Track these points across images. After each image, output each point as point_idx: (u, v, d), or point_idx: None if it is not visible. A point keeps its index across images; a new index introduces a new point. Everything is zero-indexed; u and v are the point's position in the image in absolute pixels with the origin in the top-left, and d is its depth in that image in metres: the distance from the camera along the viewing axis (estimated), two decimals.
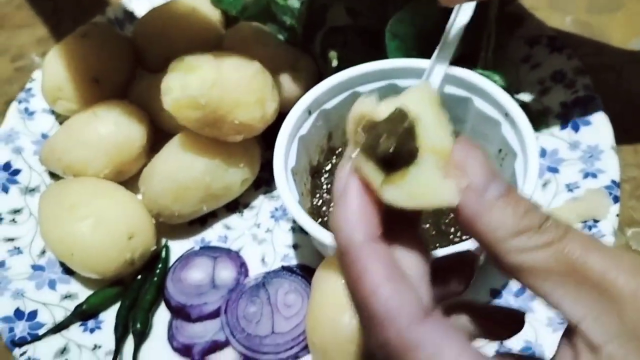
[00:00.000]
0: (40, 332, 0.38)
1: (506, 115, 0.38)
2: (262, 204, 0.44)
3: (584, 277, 0.20)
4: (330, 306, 0.34)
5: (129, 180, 0.43)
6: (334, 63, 0.43)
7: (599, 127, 0.43)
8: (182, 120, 0.39)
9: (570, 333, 0.21)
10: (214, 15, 0.49)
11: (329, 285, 0.35)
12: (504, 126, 0.39)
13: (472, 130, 0.41)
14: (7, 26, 0.57)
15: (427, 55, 0.41)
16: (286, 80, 0.43)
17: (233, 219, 0.44)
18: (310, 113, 0.40)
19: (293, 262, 0.41)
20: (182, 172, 0.40)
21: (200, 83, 0.37)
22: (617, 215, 0.39)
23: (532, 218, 0.21)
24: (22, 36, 0.57)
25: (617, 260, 0.20)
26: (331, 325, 0.33)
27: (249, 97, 0.39)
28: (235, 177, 0.42)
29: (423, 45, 0.42)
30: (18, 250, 0.41)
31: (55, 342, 0.38)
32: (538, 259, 0.21)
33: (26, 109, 0.48)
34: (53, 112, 0.48)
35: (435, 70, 0.38)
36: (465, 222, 0.21)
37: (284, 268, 0.40)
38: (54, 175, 0.45)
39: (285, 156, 0.38)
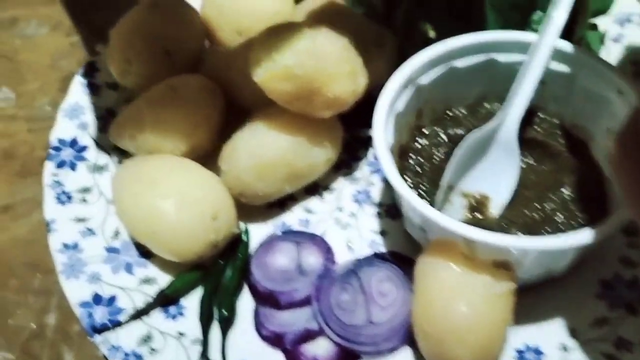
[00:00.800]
0: (121, 318, 0.35)
1: (619, 92, 0.36)
2: (343, 186, 0.42)
3: None
4: (443, 295, 0.31)
5: (205, 158, 0.41)
6: (431, 34, 0.40)
7: None
8: (272, 93, 0.36)
9: None
10: None
11: (439, 273, 0.32)
12: (617, 104, 0.36)
13: (572, 110, 0.39)
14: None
15: (524, 27, 0.39)
16: (371, 57, 0.41)
17: (313, 202, 0.41)
18: (405, 87, 0.37)
19: (381, 248, 0.39)
20: (266, 149, 0.38)
21: (295, 52, 0.35)
22: None
23: None
24: None
25: None
26: (446, 315, 0.31)
27: (343, 69, 0.36)
28: (319, 156, 0.39)
29: (523, 16, 0.39)
30: (91, 232, 0.39)
31: (137, 328, 0.35)
32: None
33: (90, 83, 0.45)
34: (117, 87, 0.45)
35: (544, 43, 0.36)
36: None
37: (376, 255, 0.38)
38: (122, 152, 0.42)
39: (385, 133, 0.35)
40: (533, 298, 0.35)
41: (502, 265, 0.32)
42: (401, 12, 0.43)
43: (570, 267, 0.35)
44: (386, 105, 0.36)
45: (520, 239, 0.32)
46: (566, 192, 0.37)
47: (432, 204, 0.37)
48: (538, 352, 0.34)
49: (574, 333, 0.34)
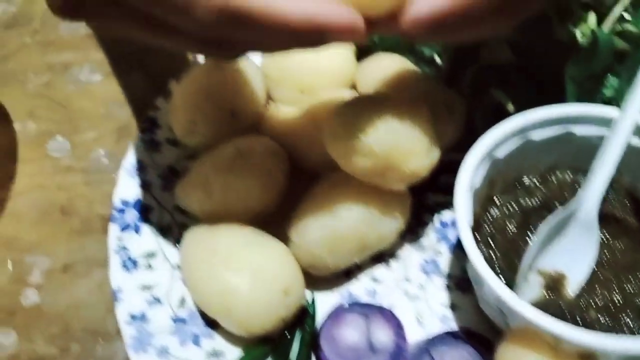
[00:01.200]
0: None
1: None
2: (409, 254, 0.41)
3: None
4: None
5: (271, 223, 0.40)
6: (510, 108, 0.39)
7: None
8: (346, 167, 0.35)
9: None
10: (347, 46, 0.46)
11: None
12: None
13: None
14: None
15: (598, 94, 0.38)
16: (441, 123, 0.40)
17: (380, 271, 0.40)
18: (481, 162, 0.37)
19: (452, 324, 0.38)
20: (338, 221, 0.37)
21: (375, 130, 0.34)
22: None
23: None
24: None
25: None
26: None
27: (421, 145, 0.35)
28: (389, 226, 0.38)
29: (597, 85, 0.39)
30: (157, 301, 0.38)
31: None
32: None
33: (151, 140, 0.45)
34: (178, 143, 0.45)
35: (627, 120, 0.35)
36: None
37: (449, 333, 0.37)
38: (184, 213, 0.42)
39: (465, 210, 0.34)
40: None
41: (588, 357, 0.31)
42: (470, 74, 0.42)
43: None
44: (466, 182, 0.35)
45: (607, 339, 0.31)
46: None
47: (507, 280, 0.36)
48: None
49: None
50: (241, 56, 0.32)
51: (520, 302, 0.32)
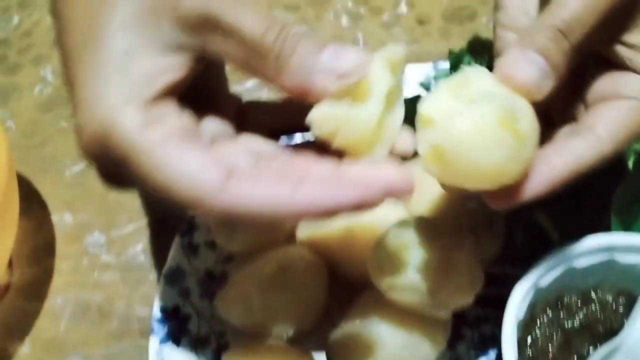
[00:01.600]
0: None
1: None
2: None
3: None
4: None
5: (307, 335, 0.40)
6: (554, 236, 0.39)
7: None
8: (392, 298, 0.36)
9: None
10: None
11: None
12: None
13: None
14: None
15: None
16: (482, 240, 0.40)
17: None
18: (527, 296, 0.37)
19: None
20: (378, 344, 0.37)
21: (424, 269, 0.34)
22: None
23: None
24: None
25: None
26: None
27: (468, 276, 0.35)
28: (431, 349, 0.38)
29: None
30: None
31: None
32: None
33: (189, 244, 0.45)
34: (215, 245, 0.45)
35: None
36: None
37: None
38: (222, 322, 0.42)
39: (513, 346, 0.34)
40: None
41: None
42: None
43: None
44: (511, 319, 0.35)
45: None
46: None
47: None
48: None
49: None
50: None
51: None
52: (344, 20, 0.62)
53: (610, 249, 0.38)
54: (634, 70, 0.32)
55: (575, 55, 0.30)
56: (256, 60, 0.28)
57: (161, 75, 0.28)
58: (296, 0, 0.63)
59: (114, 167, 0.27)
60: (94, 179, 0.52)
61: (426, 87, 0.49)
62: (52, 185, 0.52)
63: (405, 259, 0.34)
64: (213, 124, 0.32)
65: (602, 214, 0.39)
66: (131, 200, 0.51)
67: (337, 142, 0.29)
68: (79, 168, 0.53)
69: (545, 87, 0.29)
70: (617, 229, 0.38)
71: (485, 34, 0.46)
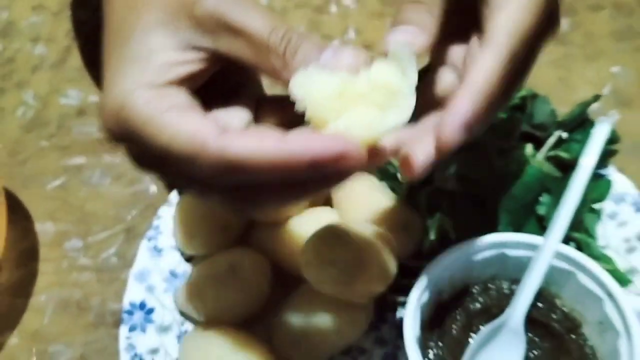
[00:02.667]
0: None
1: (609, 295, 0.43)
2: (373, 349, 0.49)
3: None
4: None
5: (257, 322, 0.48)
6: (452, 236, 0.47)
7: None
8: (319, 288, 0.43)
9: None
10: None
11: None
12: (607, 305, 0.43)
13: (570, 296, 0.46)
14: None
15: (530, 226, 0.46)
16: (399, 239, 0.48)
17: None
18: (428, 285, 0.44)
19: None
20: (311, 327, 0.45)
21: (342, 264, 0.42)
22: None
23: None
24: None
25: None
26: None
27: (380, 269, 0.43)
28: (354, 328, 0.46)
29: (528, 217, 0.47)
30: None
31: None
32: None
33: (155, 247, 0.52)
34: (179, 249, 0.52)
35: (547, 248, 0.43)
36: None
37: None
38: (184, 313, 0.49)
39: (412, 329, 0.42)
40: None
41: None
42: (425, 195, 0.50)
43: None
44: (413, 304, 0.43)
45: None
46: None
47: None
48: None
49: None
50: (259, 210, 0.36)
51: None
52: None
53: (501, 245, 0.46)
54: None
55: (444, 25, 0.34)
56: (263, 59, 0.31)
57: (175, 68, 0.32)
58: None
59: (128, 139, 0.31)
60: (72, 192, 0.60)
61: None
62: (35, 198, 0.59)
63: (327, 257, 0.42)
64: (224, 114, 0.35)
65: (494, 218, 0.47)
66: (105, 211, 0.58)
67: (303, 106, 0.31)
68: (59, 182, 0.60)
69: None
70: (506, 230, 0.46)
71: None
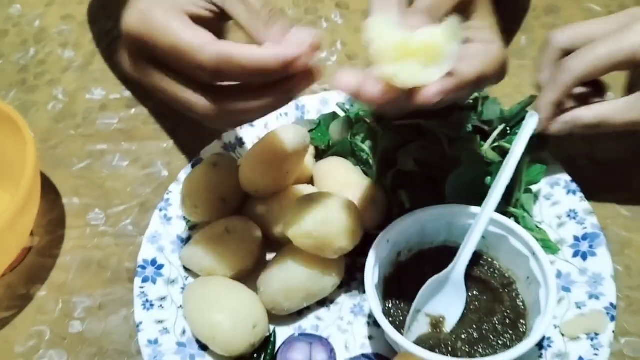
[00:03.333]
0: None
1: (533, 254, 0.53)
2: (344, 301, 0.58)
3: None
4: None
5: (248, 276, 0.58)
6: (407, 205, 0.57)
7: (602, 259, 0.56)
8: (297, 244, 0.53)
9: None
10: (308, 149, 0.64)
11: None
12: (532, 261, 0.53)
13: (505, 258, 0.56)
14: (137, 138, 0.73)
15: (475, 202, 0.56)
16: (367, 210, 0.58)
17: (322, 312, 0.58)
18: (387, 241, 0.54)
19: (369, 350, 0.55)
20: (291, 279, 0.55)
21: (314, 221, 0.52)
22: (613, 331, 0.52)
23: None
24: (149, 147, 0.72)
25: None
26: None
27: (346, 229, 0.53)
28: (328, 282, 0.56)
29: (473, 195, 0.56)
30: (166, 330, 0.56)
31: None
32: None
33: (165, 215, 0.62)
34: (185, 218, 0.63)
35: (484, 216, 0.53)
36: None
37: (363, 355, 0.54)
38: (187, 270, 0.59)
39: (372, 276, 0.52)
40: None
41: None
42: (390, 176, 0.60)
43: None
44: (373, 256, 0.53)
45: None
46: (497, 318, 0.53)
47: (404, 321, 0.53)
48: None
49: None
50: (238, 125, 0.47)
51: (402, 338, 0.48)
52: None
53: (447, 215, 0.56)
54: (474, 40, 0.46)
55: None
56: (252, 22, 0.43)
57: (191, 6, 0.44)
58: None
59: (141, 37, 0.43)
60: (95, 173, 0.70)
61: (341, 107, 0.67)
62: (63, 178, 0.70)
63: (304, 217, 0.52)
64: None
65: (443, 193, 0.57)
66: (123, 188, 0.68)
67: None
68: (83, 165, 0.71)
69: None
70: (452, 202, 0.56)
71: None
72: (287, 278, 0.55)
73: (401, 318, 0.53)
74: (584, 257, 0.57)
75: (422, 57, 0.40)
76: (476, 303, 0.55)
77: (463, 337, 0.52)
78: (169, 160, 0.70)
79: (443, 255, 0.57)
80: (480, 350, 0.51)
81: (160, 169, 0.70)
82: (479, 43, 0.46)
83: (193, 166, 0.64)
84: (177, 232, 0.62)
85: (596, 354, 0.51)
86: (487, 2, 0.48)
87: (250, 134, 0.67)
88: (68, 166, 0.71)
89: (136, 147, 0.72)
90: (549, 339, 0.54)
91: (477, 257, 0.56)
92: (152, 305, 0.57)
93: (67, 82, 0.79)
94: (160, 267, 0.59)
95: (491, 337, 0.52)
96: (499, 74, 0.47)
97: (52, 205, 0.68)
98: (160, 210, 0.63)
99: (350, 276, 0.60)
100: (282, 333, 0.56)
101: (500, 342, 0.52)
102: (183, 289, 0.58)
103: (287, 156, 0.57)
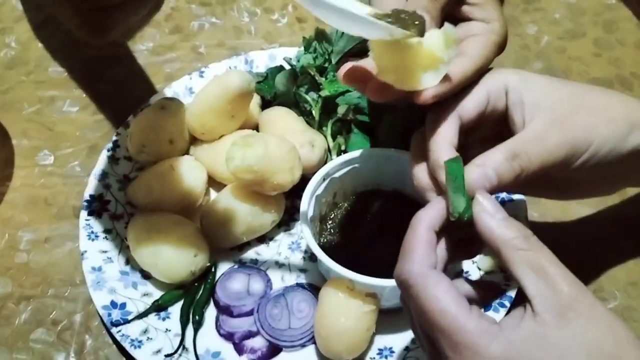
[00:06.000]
0: (129, 317, 0.54)
1: None
2: (282, 238, 0.62)
3: (542, 272, 0.37)
4: (332, 311, 0.52)
5: (192, 213, 0.61)
6: (343, 147, 0.61)
7: (518, 203, 0.62)
8: (238, 179, 0.57)
9: (523, 300, 0.37)
10: (254, 98, 0.67)
11: (331, 297, 0.52)
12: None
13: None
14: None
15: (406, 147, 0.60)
16: (306, 153, 0.61)
17: (262, 248, 0.61)
18: (324, 180, 0.58)
19: (303, 280, 0.59)
20: (232, 213, 0.58)
21: (255, 156, 0.55)
22: None
23: (523, 231, 0.38)
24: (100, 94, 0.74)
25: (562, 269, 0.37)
26: (333, 324, 0.51)
27: (285, 166, 0.57)
28: (268, 218, 0.60)
29: (405, 140, 0.61)
30: (110, 260, 0.58)
31: (139, 325, 0.55)
32: (520, 253, 0.37)
33: (112, 156, 0.65)
34: (131, 159, 0.65)
35: None
36: (482, 231, 0.39)
37: (298, 284, 0.58)
38: (133, 206, 0.62)
39: (307, 209, 0.56)
40: (392, 316, 0.55)
41: (370, 295, 0.52)
42: (331, 124, 0.64)
43: None
44: (309, 192, 0.56)
45: (378, 280, 0.52)
46: None
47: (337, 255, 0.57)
48: (392, 351, 0.54)
49: (414, 341, 0.55)
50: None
51: (332, 262, 0.52)
52: (244, 16, 0.83)
53: (378, 157, 0.60)
54: (474, 19, 0.48)
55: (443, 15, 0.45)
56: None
57: None
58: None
59: None
60: (44, 117, 0.72)
61: (287, 61, 0.71)
62: (13, 120, 0.71)
63: (246, 152, 0.55)
64: None
65: (377, 140, 0.61)
66: (72, 132, 0.70)
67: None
68: (34, 109, 0.72)
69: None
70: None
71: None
72: (228, 212, 0.58)
73: (334, 253, 0.57)
74: (502, 202, 0.62)
75: (420, 64, 0.42)
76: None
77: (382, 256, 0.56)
78: (119, 106, 0.72)
79: (375, 197, 0.62)
80: None
81: (110, 114, 0.72)
82: (479, 23, 0.47)
83: (141, 111, 0.67)
84: (124, 172, 0.64)
85: (507, 284, 0.56)
86: None
87: (200, 83, 0.70)
88: (18, 110, 0.72)
89: (87, 94, 0.73)
90: (467, 272, 0.59)
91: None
92: (97, 236, 0.59)
93: (20, 31, 0.79)
94: (106, 202, 0.62)
95: None
96: (499, 52, 0.47)
97: (1, 145, 0.69)
98: (108, 150, 0.65)
99: (290, 217, 0.63)
100: (223, 266, 0.60)
101: None
102: (127, 223, 0.61)
103: (232, 99, 0.60)
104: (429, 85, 0.42)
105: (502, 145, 0.43)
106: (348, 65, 0.45)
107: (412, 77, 0.42)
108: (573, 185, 0.50)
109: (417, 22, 0.41)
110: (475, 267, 0.59)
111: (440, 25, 0.44)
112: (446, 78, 0.43)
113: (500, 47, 0.48)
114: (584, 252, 0.61)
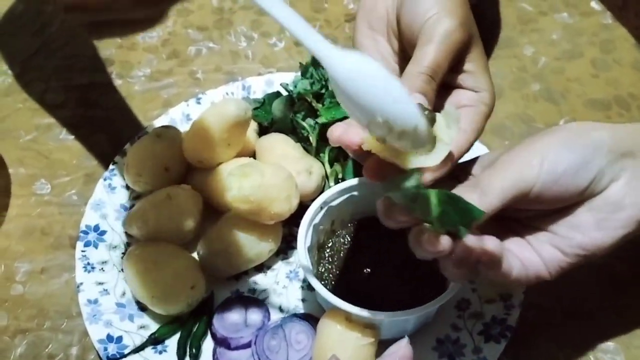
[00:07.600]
0: (125, 352, 0.54)
1: None
2: (280, 267, 0.61)
3: None
4: (329, 344, 0.51)
5: (189, 242, 0.60)
6: (340, 175, 0.61)
7: None
8: (235, 209, 0.56)
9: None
10: (251, 125, 0.67)
11: (329, 329, 0.52)
12: None
13: None
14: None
15: None
16: (303, 180, 0.61)
17: (260, 277, 0.61)
18: (321, 208, 0.58)
19: (302, 310, 0.58)
20: (230, 243, 0.58)
21: (251, 185, 0.55)
22: (524, 292, 0.57)
23: None
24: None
25: None
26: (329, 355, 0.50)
27: (282, 195, 0.56)
28: (265, 247, 0.59)
29: None
30: (106, 292, 0.57)
31: (136, 359, 0.54)
32: None
33: (109, 185, 0.64)
34: (129, 188, 0.65)
35: None
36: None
37: (295, 315, 0.57)
38: (130, 236, 0.61)
39: (304, 239, 0.55)
40: None
41: (368, 326, 0.52)
42: (328, 151, 0.64)
43: (417, 328, 0.55)
44: (307, 220, 0.56)
45: (376, 313, 0.52)
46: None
47: (336, 285, 0.57)
48: None
49: None
50: None
51: (329, 293, 0.52)
52: (242, 40, 0.83)
53: (372, 185, 0.59)
54: (464, 87, 0.49)
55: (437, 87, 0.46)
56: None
57: None
58: (205, 24, 0.84)
59: None
60: (41, 145, 0.71)
61: (285, 87, 0.71)
62: (10, 148, 0.71)
63: (242, 182, 0.55)
64: None
65: None
66: (69, 160, 0.70)
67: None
68: (31, 137, 0.72)
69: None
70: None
71: None
72: (226, 242, 0.58)
73: (333, 283, 0.57)
74: None
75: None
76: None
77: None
78: (116, 133, 0.72)
79: (373, 225, 0.61)
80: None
81: (106, 142, 0.71)
82: (468, 92, 0.48)
83: (138, 139, 0.66)
84: (120, 201, 0.64)
85: (507, 314, 0.56)
86: (481, 44, 0.49)
87: (197, 110, 0.70)
88: (15, 138, 0.72)
89: (83, 121, 0.73)
90: (467, 300, 0.58)
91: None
92: (93, 268, 0.59)
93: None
94: (103, 233, 0.61)
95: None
96: (487, 120, 0.49)
97: None
98: (105, 179, 0.65)
99: (288, 245, 0.63)
100: (221, 295, 0.59)
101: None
102: (124, 254, 0.60)
103: (228, 127, 0.60)
104: (431, 164, 0.43)
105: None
106: (339, 130, 0.45)
107: (414, 158, 0.43)
108: None
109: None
110: (476, 295, 0.58)
111: (439, 103, 0.46)
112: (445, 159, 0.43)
113: (488, 117, 0.49)
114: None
